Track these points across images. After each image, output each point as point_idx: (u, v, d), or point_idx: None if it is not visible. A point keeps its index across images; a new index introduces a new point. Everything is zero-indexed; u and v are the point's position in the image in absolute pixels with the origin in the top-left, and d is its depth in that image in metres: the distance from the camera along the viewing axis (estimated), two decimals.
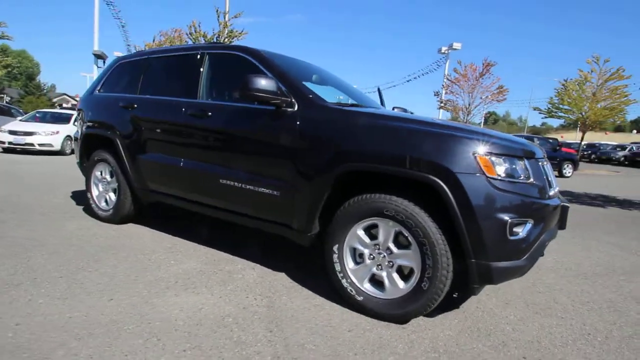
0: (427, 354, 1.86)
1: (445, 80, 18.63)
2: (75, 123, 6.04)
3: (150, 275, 2.54)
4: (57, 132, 10.52)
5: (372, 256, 2.18)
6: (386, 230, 2.11)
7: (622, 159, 25.15)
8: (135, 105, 3.33)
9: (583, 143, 24.02)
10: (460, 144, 1.92)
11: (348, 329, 2.04)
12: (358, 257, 2.25)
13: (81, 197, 4.74)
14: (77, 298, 2.16)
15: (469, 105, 16.93)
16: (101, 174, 3.73)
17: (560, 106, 17.47)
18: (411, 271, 2.09)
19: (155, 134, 3.21)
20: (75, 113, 11.71)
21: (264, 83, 2.36)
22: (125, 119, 3.40)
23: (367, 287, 2.19)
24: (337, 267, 2.25)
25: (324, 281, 2.56)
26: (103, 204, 3.74)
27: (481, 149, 1.91)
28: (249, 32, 13.18)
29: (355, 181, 2.26)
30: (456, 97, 17.77)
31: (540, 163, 2.15)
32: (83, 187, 5.38)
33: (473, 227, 1.86)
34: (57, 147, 10.41)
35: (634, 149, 25.18)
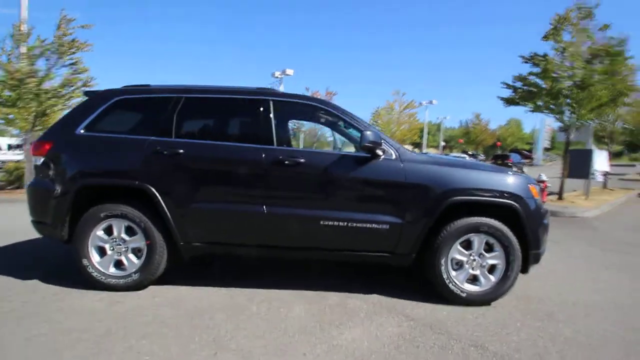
0: (529, 314, 2.84)
1: None
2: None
3: (290, 327, 2.54)
4: None
5: (468, 262, 3.01)
6: (479, 242, 2.99)
7: None
8: (182, 151, 2.99)
9: None
10: (522, 180, 3.04)
11: (474, 317, 2.80)
12: (455, 265, 3.03)
13: (15, 266, 3.45)
14: None
15: None
16: (108, 234, 3.05)
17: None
18: (493, 267, 3.03)
19: (220, 181, 3.02)
20: None
21: (375, 135, 2.86)
22: (163, 166, 2.99)
23: (467, 285, 3.00)
24: (445, 276, 2.96)
25: (405, 292, 3.20)
26: (112, 269, 3.05)
27: (529, 181, 3.08)
28: (93, 44, 11.18)
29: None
30: None
31: None
32: None
33: (534, 230, 2.98)
34: None
35: None
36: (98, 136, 3.13)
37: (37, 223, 3.20)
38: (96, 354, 2.13)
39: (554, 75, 9.41)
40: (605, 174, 13.51)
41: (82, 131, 3.15)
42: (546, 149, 42.62)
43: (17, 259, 3.94)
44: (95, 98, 3.28)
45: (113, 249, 3.06)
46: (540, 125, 38.93)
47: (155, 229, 3.00)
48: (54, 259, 3.96)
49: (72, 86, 10.81)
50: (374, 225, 2.95)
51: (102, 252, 3.07)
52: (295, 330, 2.49)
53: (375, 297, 3.11)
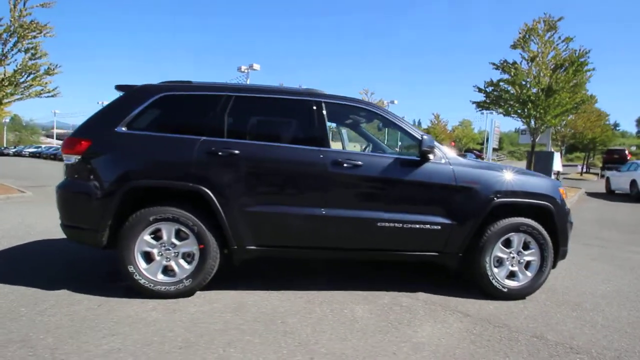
0: (561, 305, 3.14)
1: None
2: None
3: (365, 328, 2.59)
4: None
5: (508, 259, 3.24)
6: (518, 240, 3.23)
7: None
8: (237, 151, 2.91)
9: None
10: (554, 183, 3.33)
11: (519, 309, 3.04)
12: (496, 262, 3.25)
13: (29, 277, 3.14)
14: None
15: None
16: (156, 238, 2.89)
17: None
18: (528, 263, 3.30)
19: (278, 183, 2.99)
20: None
21: (431, 140, 3.00)
22: (219, 167, 2.90)
23: (507, 281, 3.24)
24: (489, 273, 3.17)
25: (444, 288, 3.38)
26: (161, 276, 2.90)
27: (558, 184, 3.38)
28: (54, 27, 10.21)
29: None
30: None
31: None
32: None
33: (564, 228, 3.29)
34: None
35: None
36: (143, 134, 2.95)
37: (70, 228, 2.95)
38: None
39: (523, 83, 10.21)
40: (557, 174, 14.90)
41: (123, 129, 2.94)
42: (494, 149, 45.89)
43: (21, 267, 3.58)
44: (135, 94, 3.07)
45: (162, 254, 2.90)
46: (490, 127, 41.68)
47: (209, 232, 2.90)
48: (66, 266, 3.66)
49: (32, 73, 9.84)
50: (427, 226, 3.08)
51: (148, 257, 2.90)
52: (372, 330, 2.55)
53: (423, 295, 3.25)
